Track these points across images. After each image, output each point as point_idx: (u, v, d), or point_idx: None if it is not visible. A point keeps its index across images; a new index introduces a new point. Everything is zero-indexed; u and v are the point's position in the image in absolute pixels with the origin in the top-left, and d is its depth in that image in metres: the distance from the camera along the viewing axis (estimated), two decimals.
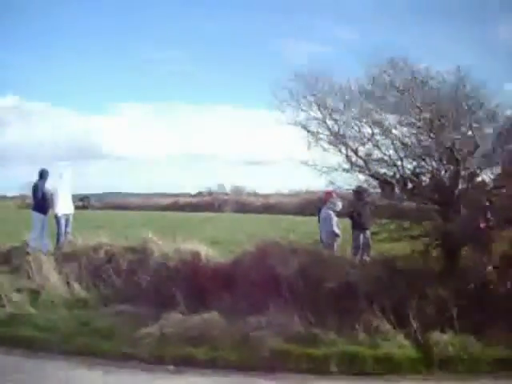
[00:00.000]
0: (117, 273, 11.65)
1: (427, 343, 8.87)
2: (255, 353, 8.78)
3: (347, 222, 12.98)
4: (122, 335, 9.46)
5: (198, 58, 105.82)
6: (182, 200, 40.67)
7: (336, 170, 11.45)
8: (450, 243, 10.85)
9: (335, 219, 12.61)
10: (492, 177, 11.66)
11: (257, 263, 10.72)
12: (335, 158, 11.54)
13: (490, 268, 10.06)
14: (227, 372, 8.47)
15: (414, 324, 9.19)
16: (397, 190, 11.47)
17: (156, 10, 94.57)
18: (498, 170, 11.59)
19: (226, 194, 42.08)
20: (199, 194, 45.84)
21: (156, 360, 8.79)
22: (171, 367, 8.61)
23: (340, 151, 11.50)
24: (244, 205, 35.30)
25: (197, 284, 10.64)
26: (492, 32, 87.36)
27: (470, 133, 11.07)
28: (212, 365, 8.66)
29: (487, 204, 10.98)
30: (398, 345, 8.91)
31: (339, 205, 12.78)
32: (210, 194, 43.83)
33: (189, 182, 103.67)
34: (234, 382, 8.31)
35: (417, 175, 11.63)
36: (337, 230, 12.50)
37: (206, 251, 11.66)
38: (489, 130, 11.39)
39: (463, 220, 10.58)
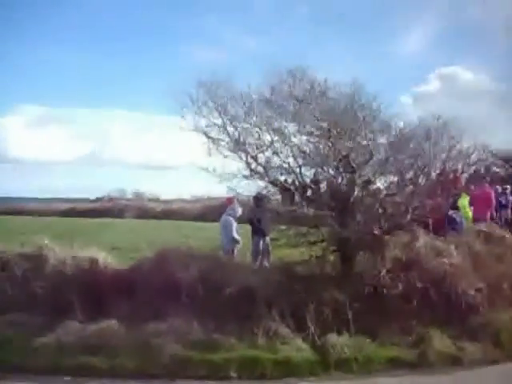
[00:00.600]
0: (11, 281, 11.12)
1: (324, 346, 9.14)
2: (155, 360, 8.72)
3: (248, 227, 13.07)
4: (16, 346, 9.09)
5: (97, 60, 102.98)
6: (80, 205, 39.13)
7: (236, 176, 11.51)
8: (345, 248, 11.19)
9: (235, 225, 12.67)
10: (385, 184, 12.12)
11: (156, 269, 10.57)
12: (235, 164, 11.63)
13: (383, 272, 10.44)
14: (127, 380, 8.39)
15: (312, 327, 9.45)
16: (296, 196, 11.68)
17: (54, 8, 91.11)
18: (391, 178, 12.07)
19: (127, 200, 41.02)
20: (99, 199, 44.41)
21: (53, 371, 8.54)
22: (68, 378, 8.39)
23: (240, 158, 11.59)
24: (145, 210, 34.46)
25: (95, 291, 10.37)
26: (389, 46, 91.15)
27: (365, 142, 11.46)
28: (111, 374, 8.53)
29: (380, 211, 11.41)
30: (297, 348, 9.12)
31: (239, 211, 12.85)
32: (110, 199, 42.57)
33: (88, 187, 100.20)
34: None
35: (315, 182, 11.93)
36: (237, 236, 12.56)
37: (104, 258, 11.38)
38: (383, 140, 11.87)
39: (358, 226, 10.92)
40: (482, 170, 19.67)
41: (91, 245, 11.92)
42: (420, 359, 9.13)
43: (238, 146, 11.51)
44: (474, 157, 17.35)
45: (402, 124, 11.89)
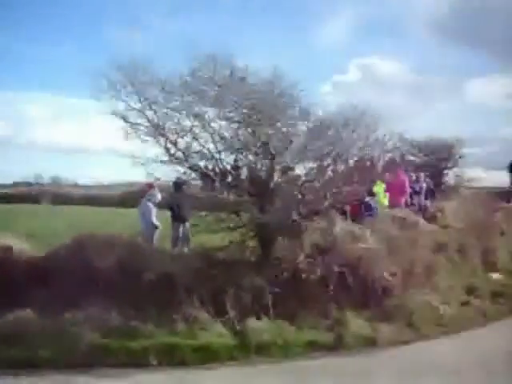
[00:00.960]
0: None
1: (244, 331, 9.20)
2: (72, 349, 8.52)
3: (167, 213, 12.95)
4: None
5: (18, 40, 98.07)
6: None
7: (154, 161, 11.33)
8: (265, 234, 11.27)
9: (154, 211, 12.52)
10: (304, 171, 12.25)
11: (73, 256, 10.31)
12: (154, 149, 11.45)
13: (301, 257, 10.58)
14: (43, 371, 8.17)
15: (232, 313, 9.48)
16: (216, 182, 11.63)
17: None
18: (310, 164, 12.20)
19: (44, 185, 39.78)
20: (15, 184, 42.79)
21: None
22: None
23: (159, 143, 11.42)
24: (63, 196, 33.61)
25: (9, 280, 10.01)
26: (310, 34, 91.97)
27: (284, 129, 11.53)
28: (27, 365, 8.27)
29: (299, 197, 11.54)
30: (217, 334, 9.16)
31: (158, 196, 12.71)
32: (28, 184, 41.14)
33: (3, 172, 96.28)
34: (52, 382, 7.99)
35: (235, 168, 11.91)
36: (156, 222, 12.43)
37: (19, 245, 10.96)
38: (302, 127, 11.97)
39: (277, 212, 11.00)
40: (398, 158, 20.20)
41: (5, 232, 11.49)
42: (337, 341, 9.38)
43: (157, 130, 11.32)
44: (389, 145, 17.80)
45: (320, 112, 12.02)
